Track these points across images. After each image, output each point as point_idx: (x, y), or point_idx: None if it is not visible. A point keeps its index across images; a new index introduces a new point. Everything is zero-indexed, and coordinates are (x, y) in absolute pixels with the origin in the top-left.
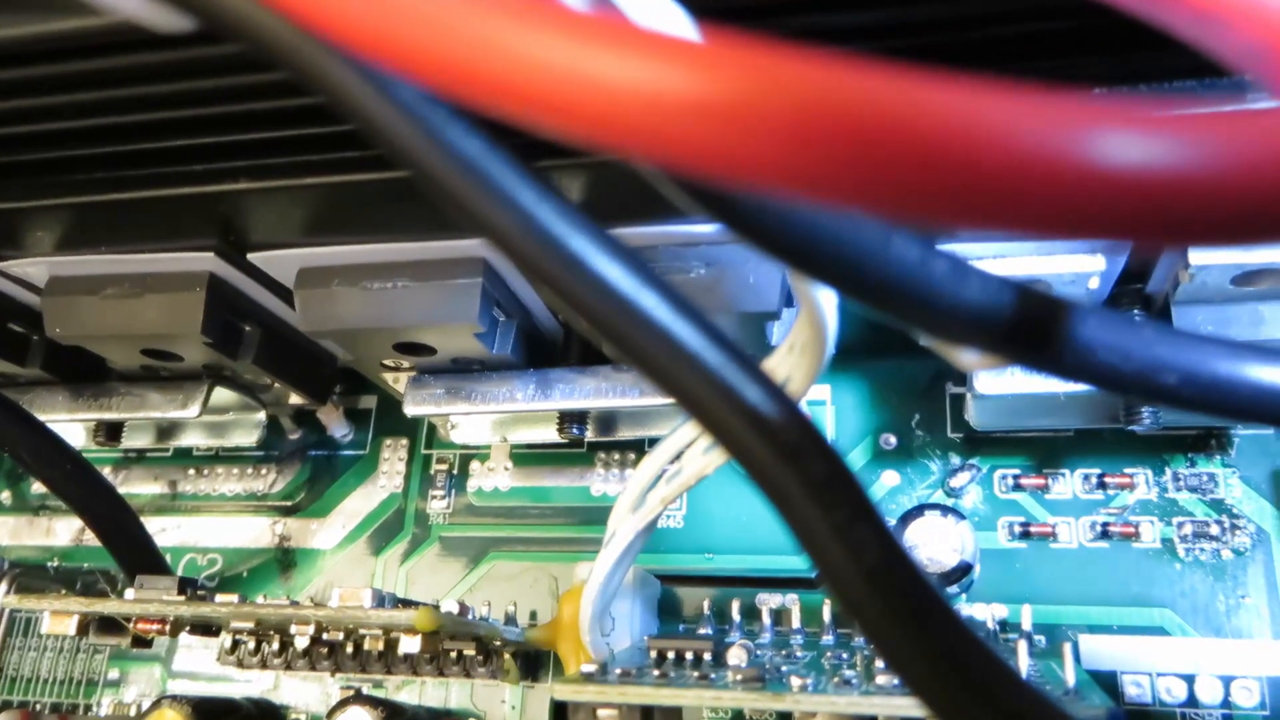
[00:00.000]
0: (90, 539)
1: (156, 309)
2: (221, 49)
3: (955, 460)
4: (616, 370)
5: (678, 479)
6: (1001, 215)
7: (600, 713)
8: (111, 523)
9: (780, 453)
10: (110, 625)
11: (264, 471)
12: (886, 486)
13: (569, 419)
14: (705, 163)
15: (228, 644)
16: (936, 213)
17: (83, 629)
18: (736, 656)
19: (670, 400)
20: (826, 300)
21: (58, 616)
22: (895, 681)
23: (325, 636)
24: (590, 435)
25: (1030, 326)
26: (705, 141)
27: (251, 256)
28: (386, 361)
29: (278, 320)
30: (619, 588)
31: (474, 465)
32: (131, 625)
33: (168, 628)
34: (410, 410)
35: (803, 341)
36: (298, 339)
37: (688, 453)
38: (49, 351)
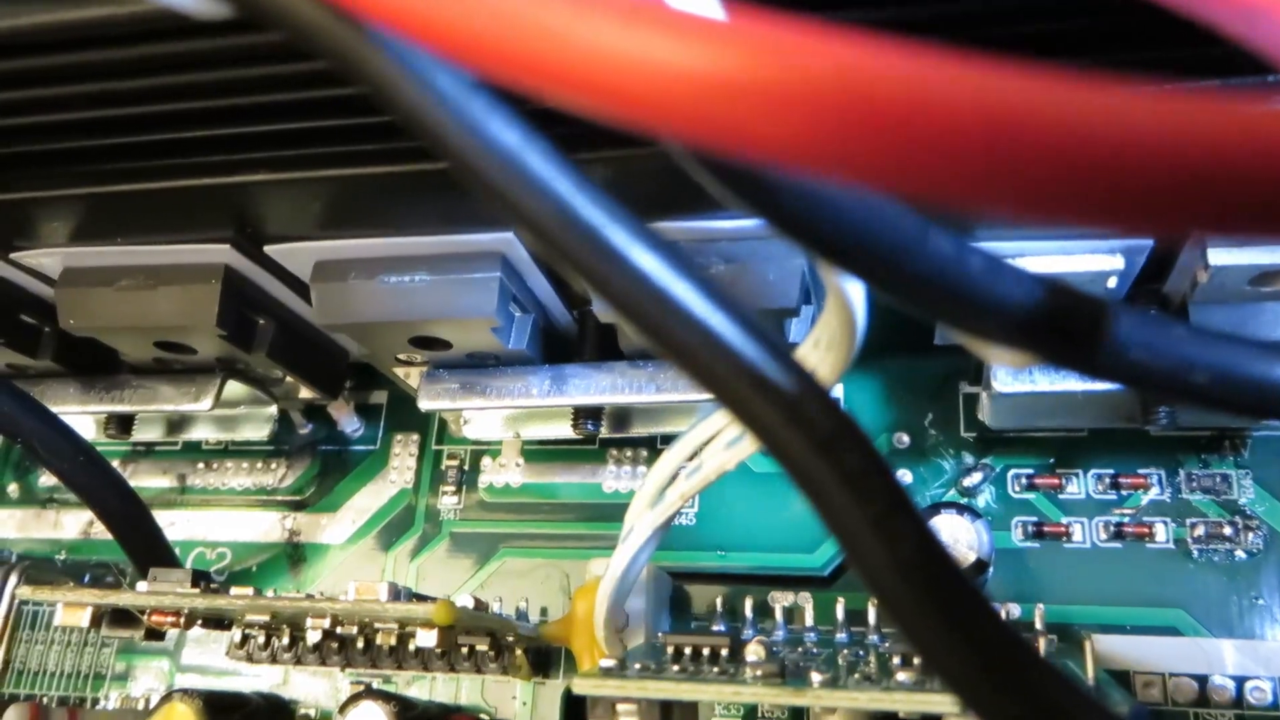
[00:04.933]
0: (98, 532)
1: (171, 301)
2: (246, 39)
3: (969, 459)
4: (632, 366)
5: (698, 475)
6: (1040, 200)
7: (619, 707)
8: (123, 516)
9: (816, 444)
10: (123, 618)
11: (274, 466)
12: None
13: (583, 414)
14: (733, 140)
15: (237, 638)
16: (965, 193)
17: (96, 621)
18: (755, 652)
19: (699, 395)
20: (855, 294)
21: (71, 608)
22: (915, 678)
23: (338, 631)
24: (604, 431)
25: (1064, 324)
26: (735, 119)
27: (268, 249)
28: (401, 356)
29: (291, 314)
30: (634, 584)
31: (485, 461)
32: (145, 618)
33: (182, 620)
34: (424, 405)
35: (829, 336)
36: (310, 333)
37: (708, 448)
38: (60, 343)
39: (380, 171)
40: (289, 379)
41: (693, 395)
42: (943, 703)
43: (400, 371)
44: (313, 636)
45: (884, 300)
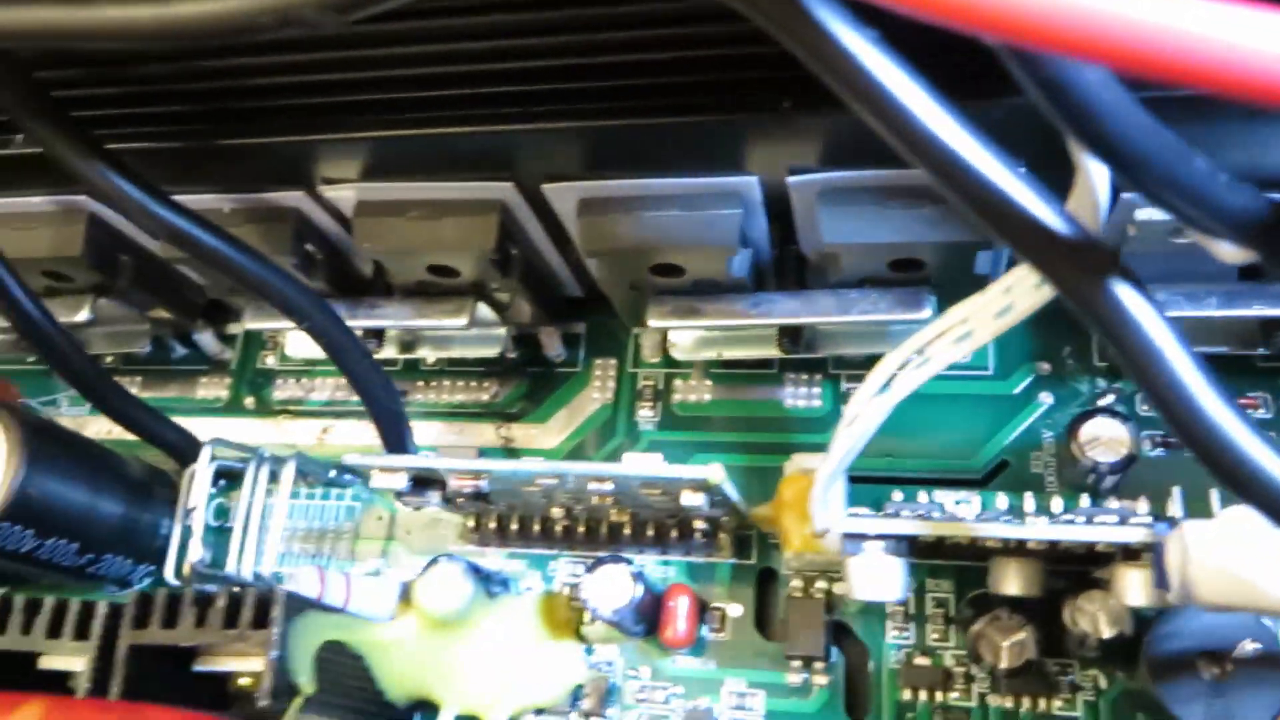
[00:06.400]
0: (329, 438)
1: (455, 229)
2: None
3: (1101, 384)
4: (825, 294)
5: (926, 366)
6: None
7: (867, 545)
8: (390, 413)
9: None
10: (426, 485)
11: (486, 385)
12: (1044, 404)
13: (786, 334)
14: None
15: (471, 523)
16: None
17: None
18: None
19: (887, 316)
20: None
21: (386, 473)
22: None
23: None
24: (800, 352)
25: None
26: None
27: (545, 187)
28: (638, 283)
29: (537, 248)
30: (849, 466)
31: (676, 383)
32: (453, 480)
33: (482, 483)
34: (653, 322)
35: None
36: (543, 266)
37: (936, 343)
38: (330, 269)
39: (642, 123)
40: (513, 305)
41: (880, 316)
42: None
43: (628, 297)
44: (556, 514)
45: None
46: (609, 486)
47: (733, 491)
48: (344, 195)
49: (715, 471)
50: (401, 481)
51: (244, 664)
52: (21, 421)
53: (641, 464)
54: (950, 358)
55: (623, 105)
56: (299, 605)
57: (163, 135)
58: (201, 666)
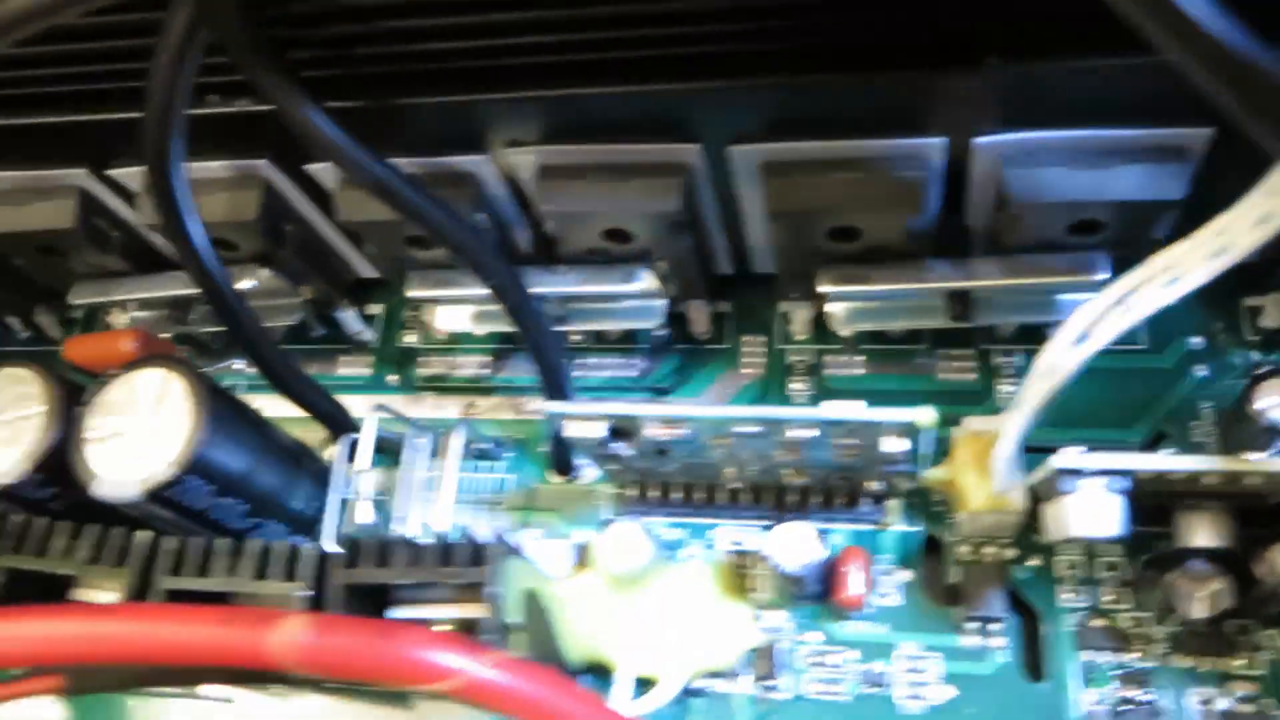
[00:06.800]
0: (476, 412)
1: (638, 191)
2: None
3: (1255, 356)
4: (994, 260)
5: (1128, 314)
6: None
7: (1082, 483)
8: (555, 368)
9: None
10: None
11: (632, 361)
12: (1199, 377)
13: (956, 300)
14: None
15: (631, 492)
16: None
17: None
18: None
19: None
20: None
21: (581, 421)
22: None
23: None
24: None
25: None
26: None
27: (731, 149)
28: (811, 247)
29: (703, 218)
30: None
31: (826, 359)
32: (646, 429)
33: (682, 432)
34: (824, 288)
35: None
36: (704, 237)
37: (1141, 290)
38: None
39: (840, 79)
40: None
41: (1059, 279)
42: None
43: (796, 266)
44: (729, 476)
45: None
46: (811, 434)
47: (929, 443)
48: (525, 160)
49: (927, 414)
50: (600, 430)
51: (440, 611)
52: (200, 377)
53: (845, 409)
54: (1157, 302)
55: (819, 63)
56: (505, 549)
57: (348, 95)
58: (397, 613)
